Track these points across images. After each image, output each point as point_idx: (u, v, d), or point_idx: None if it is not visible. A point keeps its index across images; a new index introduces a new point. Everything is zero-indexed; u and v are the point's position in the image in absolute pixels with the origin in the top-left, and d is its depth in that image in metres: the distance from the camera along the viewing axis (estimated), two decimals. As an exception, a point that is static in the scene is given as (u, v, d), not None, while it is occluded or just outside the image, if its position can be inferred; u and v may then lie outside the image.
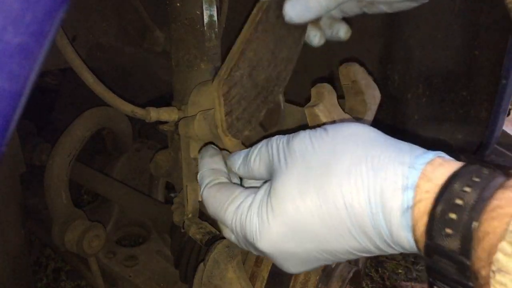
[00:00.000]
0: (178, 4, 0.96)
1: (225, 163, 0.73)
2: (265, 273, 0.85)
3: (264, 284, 0.85)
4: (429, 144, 0.53)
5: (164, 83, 1.49)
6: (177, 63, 1.02)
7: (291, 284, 0.93)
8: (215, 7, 1.00)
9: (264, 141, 0.63)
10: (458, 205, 0.44)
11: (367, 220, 0.49)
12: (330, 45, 1.32)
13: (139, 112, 0.93)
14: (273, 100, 0.85)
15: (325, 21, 0.82)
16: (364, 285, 1.77)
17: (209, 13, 0.98)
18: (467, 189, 0.44)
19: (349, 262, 1.05)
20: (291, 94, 1.11)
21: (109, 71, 1.40)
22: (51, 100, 1.81)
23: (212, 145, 0.80)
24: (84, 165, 1.49)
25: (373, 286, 1.79)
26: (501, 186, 0.43)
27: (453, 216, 0.44)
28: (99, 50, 1.30)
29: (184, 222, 1.00)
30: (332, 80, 1.33)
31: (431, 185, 0.47)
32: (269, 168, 0.61)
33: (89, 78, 0.87)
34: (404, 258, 1.94)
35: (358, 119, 0.86)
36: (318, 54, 1.35)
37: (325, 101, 0.79)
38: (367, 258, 1.72)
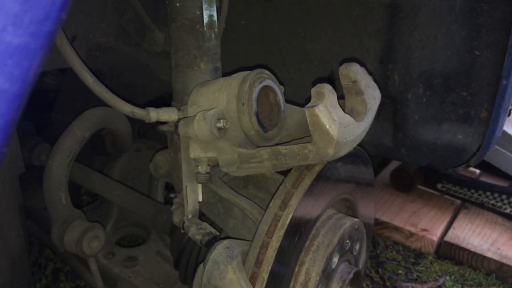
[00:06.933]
0: (178, 4, 0.96)
1: None
2: (265, 274, 0.85)
3: (264, 284, 0.85)
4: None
5: (164, 83, 1.48)
6: (177, 63, 1.02)
7: (291, 284, 0.93)
8: (215, 7, 0.99)
9: None
10: None
11: None
12: (330, 45, 1.32)
13: (138, 112, 0.92)
14: None
15: None
16: (364, 285, 1.77)
17: (209, 13, 0.98)
18: None
19: (349, 263, 1.05)
20: (291, 94, 1.11)
21: (109, 71, 1.40)
22: (51, 100, 1.81)
23: None
24: (84, 166, 1.49)
25: (374, 287, 1.79)
26: None
27: None
28: (99, 50, 1.29)
29: (184, 222, 0.99)
30: (332, 80, 1.33)
31: None
32: None
33: (88, 78, 0.87)
34: (404, 259, 1.94)
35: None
36: (318, 54, 1.35)
37: (325, 101, 0.78)
38: (368, 259, 1.72)
